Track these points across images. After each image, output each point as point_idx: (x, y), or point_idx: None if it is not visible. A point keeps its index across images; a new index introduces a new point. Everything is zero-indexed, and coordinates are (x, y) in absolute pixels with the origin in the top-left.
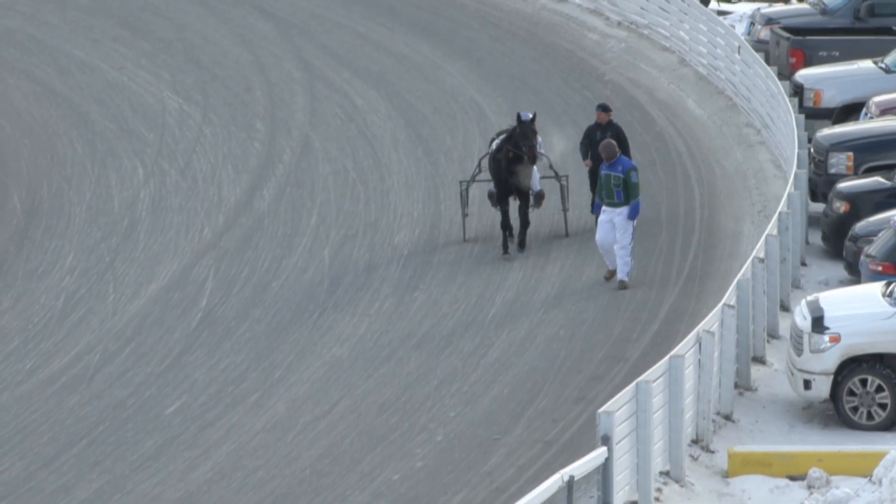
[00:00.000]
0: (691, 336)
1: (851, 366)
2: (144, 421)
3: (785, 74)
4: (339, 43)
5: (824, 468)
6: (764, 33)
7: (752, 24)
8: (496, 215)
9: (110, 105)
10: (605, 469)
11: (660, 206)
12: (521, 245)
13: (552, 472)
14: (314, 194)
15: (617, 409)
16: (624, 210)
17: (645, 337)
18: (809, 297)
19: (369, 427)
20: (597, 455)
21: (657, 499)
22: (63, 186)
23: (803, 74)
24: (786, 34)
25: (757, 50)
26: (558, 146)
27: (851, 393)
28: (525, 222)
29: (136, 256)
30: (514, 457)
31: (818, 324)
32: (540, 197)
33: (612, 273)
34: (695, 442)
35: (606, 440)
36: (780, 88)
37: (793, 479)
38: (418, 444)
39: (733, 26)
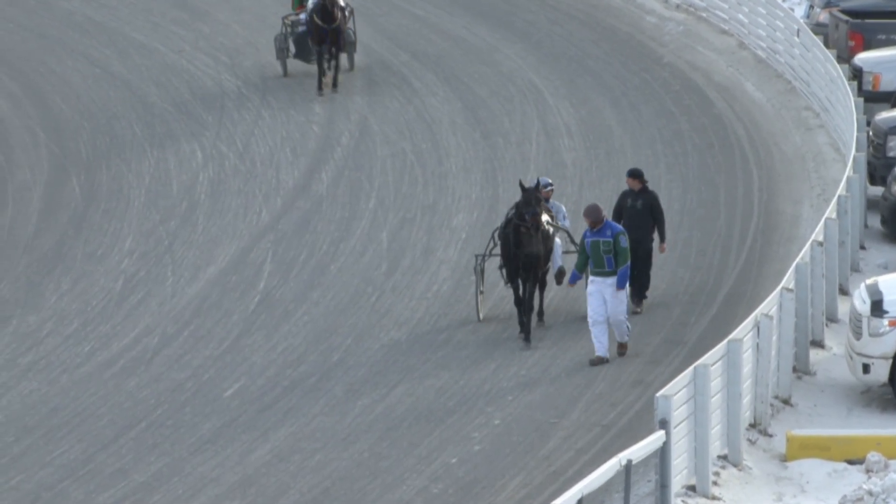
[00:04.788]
0: (749, 320)
1: None
2: (203, 404)
3: (844, 58)
4: (397, 26)
5: (883, 452)
6: (823, 16)
7: (812, 7)
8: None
9: (169, 88)
10: (662, 453)
11: (718, 189)
12: (527, 336)
13: (610, 456)
14: (372, 177)
15: (675, 393)
16: (615, 280)
17: (703, 321)
18: (868, 281)
19: (427, 410)
20: (654, 439)
21: (715, 482)
22: (122, 169)
23: (862, 58)
24: (845, 17)
25: (816, 33)
26: (616, 130)
27: None
28: (530, 306)
29: (194, 239)
30: (572, 440)
31: (877, 307)
32: (561, 274)
33: (600, 359)
34: (752, 426)
35: (664, 424)
36: (839, 72)
37: (851, 462)
38: (476, 428)
39: (792, 9)
